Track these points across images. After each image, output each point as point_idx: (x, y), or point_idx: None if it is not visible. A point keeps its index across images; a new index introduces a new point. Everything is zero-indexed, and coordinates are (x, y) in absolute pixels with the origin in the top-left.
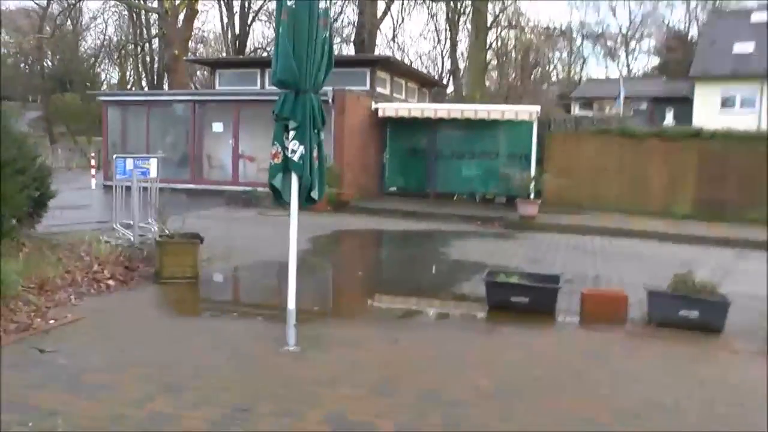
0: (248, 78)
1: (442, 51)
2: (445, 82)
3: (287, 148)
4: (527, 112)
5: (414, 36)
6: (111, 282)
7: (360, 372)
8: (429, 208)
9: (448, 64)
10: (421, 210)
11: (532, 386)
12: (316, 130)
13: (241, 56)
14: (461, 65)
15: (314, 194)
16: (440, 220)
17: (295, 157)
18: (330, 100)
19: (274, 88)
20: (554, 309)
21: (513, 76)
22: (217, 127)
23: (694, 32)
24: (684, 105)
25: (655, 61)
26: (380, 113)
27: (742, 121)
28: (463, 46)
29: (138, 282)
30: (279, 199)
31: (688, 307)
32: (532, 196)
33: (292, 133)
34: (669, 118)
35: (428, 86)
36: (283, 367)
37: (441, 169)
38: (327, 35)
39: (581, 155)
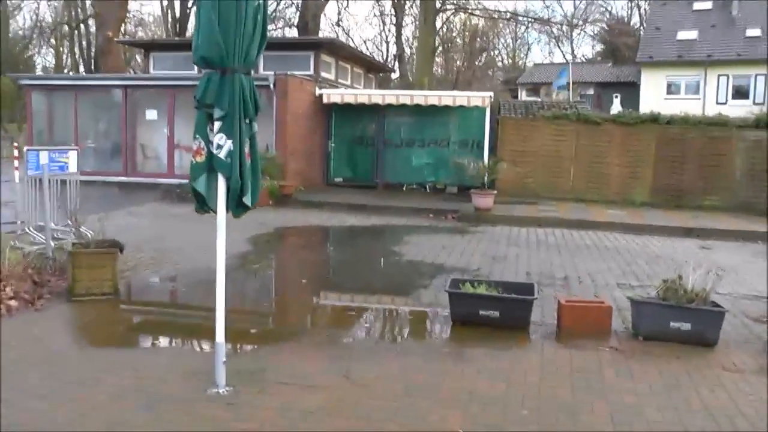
0: (185, 61)
1: (386, 37)
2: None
3: (212, 143)
4: (480, 97)
5: (359, 21)
6: (13, 302)
7: (308, 425)
8: (378, 200)
9: (393, 50)
10: (370, 203)
11: None
12: (247, 120)
13: (177, 38)
14: (407, 51)
15: (246, 200)
16: (390, 214)
17: (222, 154)
18: (271, 85)
19: None
20: (528, 323)
21: (458, 62)
22: (151, 114)
23: (635, 20)
24: (631, 90)
25: (599, 47)
26: (325, 99)
27: (687, 106)
28: (408, 31)
29: (48, 301)
30: (204, 206)
31: (681, 318)
32: (485, 185)
33: (217, 124)
34: (616, 104)
35: (374, 71)
36: (212, 419)
37: (389, 158)
38: (261, 1)
39: (536, 141)
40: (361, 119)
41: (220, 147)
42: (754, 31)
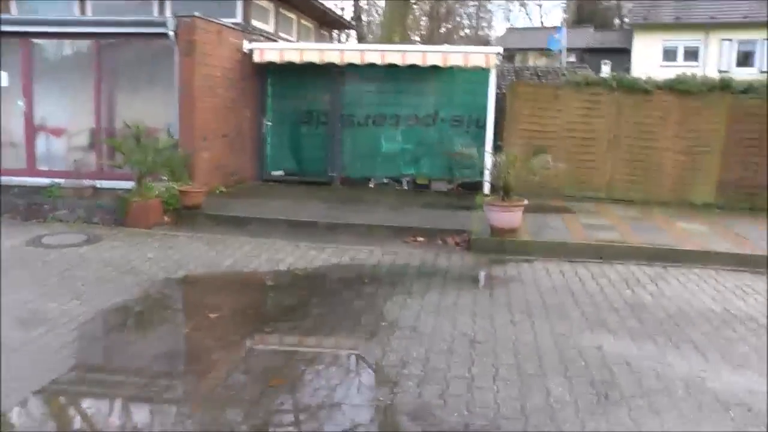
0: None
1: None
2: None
3: None
4: (482, 54)
5: None
6: None
7: None
8: (334, 209)
9: (350, 15)
10: (322, 216)
11: None
12: None
13: None
14: (365, 17)
15: None
16: (354, 238)
17: None
18: (171, 33)
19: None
20: None
21: (420, 30)
22: None
23: None
24: (620, 57)
25: (567, 14)
26: (257, 57)
27: None
28: None
29: None
30: None
31: None
32: (486, 184)
33: None
34: (605, 71)
35: (329, 27)
36: None
37: (350, 142)
38: None
39: (559, 117)
40: (309, 87)
41: None
42: None
